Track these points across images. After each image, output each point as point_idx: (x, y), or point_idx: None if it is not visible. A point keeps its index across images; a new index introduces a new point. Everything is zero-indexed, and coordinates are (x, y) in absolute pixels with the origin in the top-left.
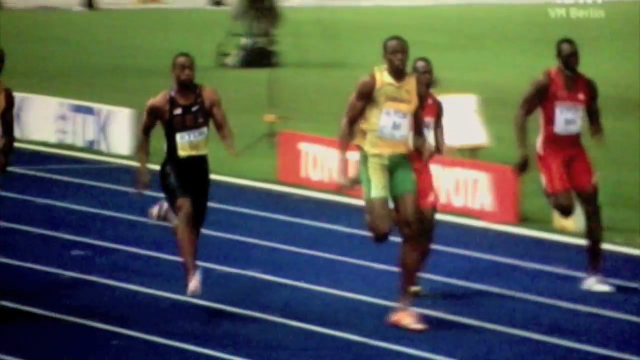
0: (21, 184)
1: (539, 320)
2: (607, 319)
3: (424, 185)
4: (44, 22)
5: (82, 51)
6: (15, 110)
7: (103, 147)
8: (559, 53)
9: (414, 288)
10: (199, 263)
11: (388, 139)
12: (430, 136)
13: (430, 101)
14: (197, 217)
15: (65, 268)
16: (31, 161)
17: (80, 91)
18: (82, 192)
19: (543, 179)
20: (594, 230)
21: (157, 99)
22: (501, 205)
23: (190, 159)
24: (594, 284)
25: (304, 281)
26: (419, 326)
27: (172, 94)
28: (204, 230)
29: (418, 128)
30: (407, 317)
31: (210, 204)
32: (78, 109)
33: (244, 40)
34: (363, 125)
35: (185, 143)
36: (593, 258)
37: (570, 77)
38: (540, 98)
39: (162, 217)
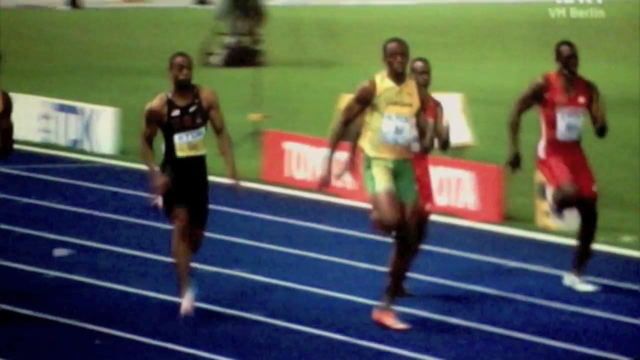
0: (4, 183)
1: (525, 319)
2: (590, 318)
3: (423, 193)
4: (27, 20)
5: (66, 50)
6: None
7: (87, 147)
8: (559, 55)
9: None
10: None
11: (391, 143)
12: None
13: (430, 103)
14: (199, 219)
15: (48, 268)
16: (14, 160)
17: (64, 90)
18: (66, 191)
19: (545, 178)
20: (587, 236)
21: (155, 102)
22: (485, 204)
23: (188, 160)
24: (577, 283)
25: (288, 280)
26: (402, 326)
27: (169, 95)
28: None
29: (421, 130)
30: (391, 318)
31: None
32: (62, 108)
33: (228, 39)
34: (366, 131)
35: (184, 144)
36: (580, 258)
37: (569, 80)
38: (537, 100)
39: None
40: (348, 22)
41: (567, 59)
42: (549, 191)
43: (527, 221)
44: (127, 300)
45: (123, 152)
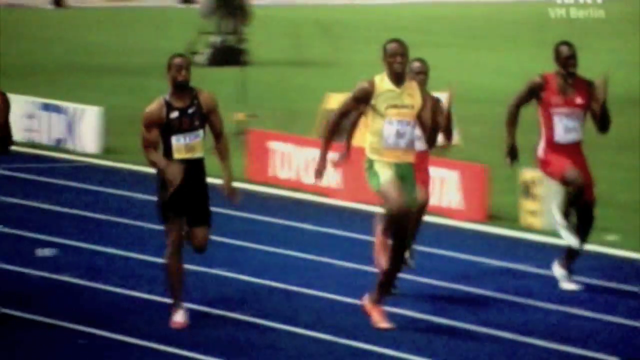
0: None
1: (508, 318)
2: (574, 317)
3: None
4: (11, 19)
5: (50, 49)
6: None
7: (71, 146)
8: (557, 56)
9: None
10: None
11: (393, 147)
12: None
13: (432, 101)
14: (200, 220)
15: (33, 267)
16: None
17: (49, 89)
18: (50, 191)
19: (549, 173)
20: (581, 237)
21: (153, 106)
22: (469, 203)
23: (185, 162)
24: (563, 279)
25: (273, 280)
26: (385, 325)
27: (167, 98)
28: None
29: (425, 128)
30: (378, 315)
31: None
32: (46, 107)
33: (213, 39)
34: (368, 136)
35: (181, 146)
36: (570, 257)
37: (567, 81)
38: (534, 98)
39: None
40: (346, 21)
41: (566, 59)
42: (555, 209)
43: (512, 220)
44: (113, 300)
45: (107, 152)
